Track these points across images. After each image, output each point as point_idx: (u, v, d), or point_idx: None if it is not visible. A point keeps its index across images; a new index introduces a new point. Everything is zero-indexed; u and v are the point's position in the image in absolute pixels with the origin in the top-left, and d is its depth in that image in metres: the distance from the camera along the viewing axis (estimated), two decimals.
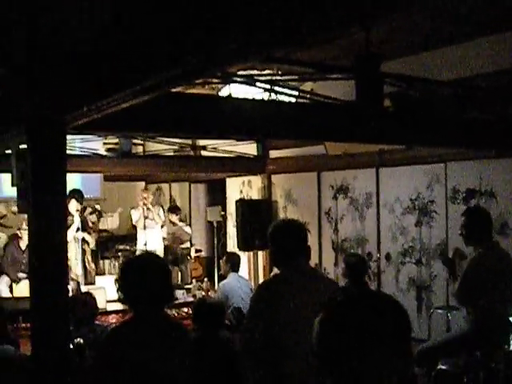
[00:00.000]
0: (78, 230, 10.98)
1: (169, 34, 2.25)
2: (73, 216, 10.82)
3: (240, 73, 6.47)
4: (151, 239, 12.00)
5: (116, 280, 3.84)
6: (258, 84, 6.34)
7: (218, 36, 2.02)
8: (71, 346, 5.10)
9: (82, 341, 5.22)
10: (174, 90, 5.98)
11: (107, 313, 9.45)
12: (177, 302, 10.10)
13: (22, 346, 5.99)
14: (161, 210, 12.67)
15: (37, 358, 3.80)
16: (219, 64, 2.27)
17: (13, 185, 4.10)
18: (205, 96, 6.74)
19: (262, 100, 6.67)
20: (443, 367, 5.74)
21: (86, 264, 11.64)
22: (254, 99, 6.54)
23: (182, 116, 5.31)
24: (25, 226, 10.60)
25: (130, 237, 13.60)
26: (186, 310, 9.71)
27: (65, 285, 3.83)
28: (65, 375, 3.70)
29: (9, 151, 4.52)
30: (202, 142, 11.78)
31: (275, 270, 5.18)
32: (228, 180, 12.83)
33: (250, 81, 6.35)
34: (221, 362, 5.13)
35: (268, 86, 6.52)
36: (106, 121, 3.56)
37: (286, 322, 3.87)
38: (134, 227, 12.81)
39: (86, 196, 12.16)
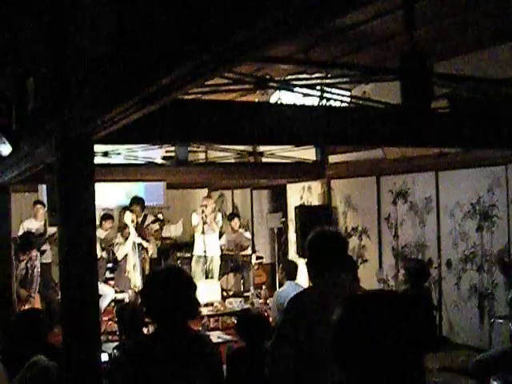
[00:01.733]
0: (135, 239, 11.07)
1: (175, 32, 2.17)
2: (128, 227, 10.93)
3: (288, 77, 6.40)
4: (209, 245, 11.98)
5: (139, 293, 3.79)
6: (307, 90, 6.25)
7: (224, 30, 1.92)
8: (109, 357, 5.11)
9: (117, 353, 5.19)
10: (224, 99, 5.99)
11: None
12: (234, 309, 10.05)
13: None
14: (219, 215, 12.62)
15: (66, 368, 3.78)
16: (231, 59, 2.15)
17: (47, 197, 4.09)
18: (254, 104, 6.66)
19: (315, 106, 6.56)
20: (495, 383, 5.50)
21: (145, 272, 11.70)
22: (307, 105, 6.45)
23: (232, 125, 5.26)
24: None
25: (192, 244, 13.65)
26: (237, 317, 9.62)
27: (95, 296, 3.80)
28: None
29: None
30: (261, 149, 11.73)
31: None
32: (288, 186, 12.75)
33: (298, 86, 6.26)
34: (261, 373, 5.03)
35: (318, 93, 6.42)
36: (130, 131, 3.51)
37: (307, 339, 3.75)
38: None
39: (149, 204, 12.24)
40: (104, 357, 4.70)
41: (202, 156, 14.29)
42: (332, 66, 6.49)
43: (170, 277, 3.62)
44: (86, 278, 3.66)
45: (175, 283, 3.55)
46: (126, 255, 10.99)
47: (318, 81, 6.56)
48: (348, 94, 7.21)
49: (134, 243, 10.94)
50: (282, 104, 7.17)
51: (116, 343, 5.87)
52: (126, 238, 10.82)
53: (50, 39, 3.84)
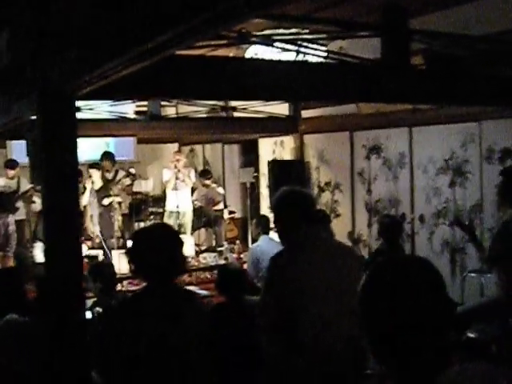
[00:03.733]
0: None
1: None
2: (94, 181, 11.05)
3: (265, 33, 6.33)
4: (182, 201, 11.97)
5: (126, 252, 3.78)
6: (284, 45, 6.20)
7: None
8: (92, 315, 5.11)
9: (101, 310, 5.19)
10: (197, 53, 5.92)
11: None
12: (209, 264, 10.09)
13: None
14: (192, 171, 12.59)
15: (50, 326, 3.77)
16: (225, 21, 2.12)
17: (27, 155, 4.03)
18: (230, 58, 6.59)
19: (291, 61, 6.51)
20: (472, 335, 5.60)
21: (116, 224, 11.73)
22: (280, 60, 6.39)
23: (207, 79, 5.20)
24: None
25: (164, 199, 13.61)
26: (215, 272, 9.65)
27: (79, 254, 3.78)
28: (81, 344, 3.67)
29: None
30: (233, 103, 11.67)
31: None
32: (260, 141, 12.73)
33: (275, 41, 6.20)
34: (245, 328, 5.07)
35: (295, 47, 6.37)
36: (115, 87, 3.46)
37: (296, 291, 3.78)
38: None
39: (119, 159, 12.18)
40: (87, 314, 4.69)
41: (172, 111, 14.18)
42: (309, 20, 6.43)
43: (158, 234, 3.63)
44: (69, 233, 3.64)
45: (164, 240, 3.56)
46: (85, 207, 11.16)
47: (295, 36, 6.51)
48: (324, 48, 7.17)
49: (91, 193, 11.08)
50: (256, 59, 7.13)
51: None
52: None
53: None
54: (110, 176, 11.48)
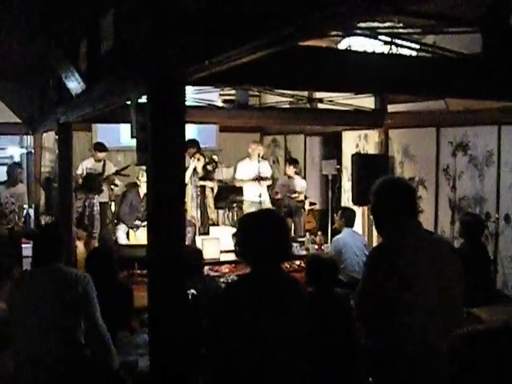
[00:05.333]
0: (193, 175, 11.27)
1: None
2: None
3: (360, 25, 6.34)
4: (264, 191, 12.03)
5: (233, 235, 3.85)
6: (378, 37, 6.20)
7: None
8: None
9: (195, 292, 5.30)
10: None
11: (221, 263, 9.55)
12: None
13: (136, 291, 6.18)
14: (270, 162, 12.67)
15: (152, 307, 3.87)
16: (346, 18, 2.17)
17: (132, 137, 4.12)
18: (323, 49, 6.61)
19: (383, 53, 6.49)
20: None
21: (208, 210, 11.88)
22: (374, 53, 6.38)
23: (299, 69, 5.24)
24: (143, 177, 10.91)
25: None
26: (298, 262, 9.70)
27: (182, 236, 3.87)
28: (182, 324, 3.76)
29: (128, 102, 4.58)
30: (318, 95, 11.65)
31: None
32: (344, 133, 12.71)
33: (371, 33, 6.21)
34: (334, 319, 5.11)
35: (388, 39, 6.36)
36: (224, 74, 3.52)
37: (401, 287, 3.77)
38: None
39: (201, 146, 12.30)
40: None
41: (255, 100, 14.25)
42: (405, 13, 6.40)
43: (265, 218, 3.68)
44: (173, 215, 3.73)
45: (271, 224, 3.61)
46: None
47: (390, 30, 6.50)
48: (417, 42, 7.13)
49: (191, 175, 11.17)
50: (347, 50, 7.12)
51: None
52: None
53: None
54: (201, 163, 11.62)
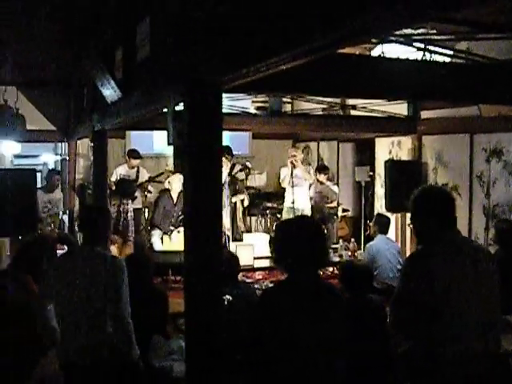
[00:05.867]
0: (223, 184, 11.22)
1: None
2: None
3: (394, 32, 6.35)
4: (299, 198, 12.01)
5: (270, 242, 3.87)
6: (411, 43, 6.20)
7: None
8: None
9: (230, 298, 5.33)
10: None
11: (254, 269, 9.59)
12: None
13: (171, 297, 6.24)
14: (310, 168, 12.66)
15: (189, 312, 3.91)
16: (387, 26, 2.19)
17: (169, 144, 4.17)
18: (357, 56, 6.63)
19: (416, 60, 6.50)
20: None
21: (238, 220, 11.90)
22: (407, 59, 6.39)
23: (333, 77, 5.27)
24: (175, 180, 10.99)
25: (277, 194, 13.72)
26: (331, 269, 9.71)
27: (219, 243, 3.90)
28: (218, 330, 3.79)
29: (165, 110, 4.63)
30: (351, 101, 11.66)
31: None
32: (377, 140, 12.69)
33: (404, 40, 6.22)
34: (370, 325, 5.11)
35: (422, 46, 6.36)
36: (259, 82, 3.56)
37: (440, 293, 3.79)
38: (281, 185, 12.87)
39: (234, 153, 12.35)
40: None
41: (288, 107, 14.28)
42: (439, 20, 6.40)
43: (301, 225, 3.71)
44: (210, 222, 3.76)
45: (307, 231, 3.63)
46: None
47: (423, 37, 6.50)
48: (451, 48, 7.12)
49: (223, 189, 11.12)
50: (381, 57, 7.13)
51: None
52: None
53: None
54: (227, 170, 11.65)
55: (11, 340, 4.29)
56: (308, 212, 12.21)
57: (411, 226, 4.32)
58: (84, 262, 5.03)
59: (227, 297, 5.34)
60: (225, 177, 11.14)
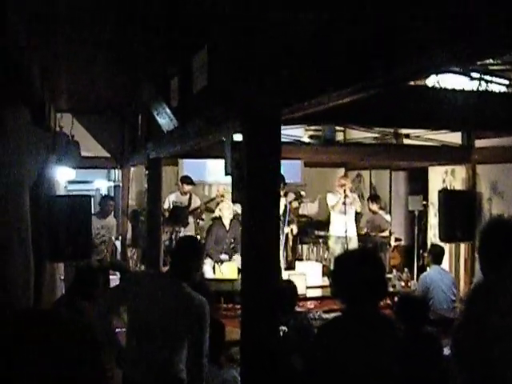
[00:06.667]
0: (283, 216, 11.20)
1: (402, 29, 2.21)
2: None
3: None
4: (349, 225, 11.96)
5: (329, 274, 3.86)
6: (468, 73, 6.17)
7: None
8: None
9: (286, 329, 5.32)
10: None
11: (306, 299, 9.55)
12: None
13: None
14: (356, 196, 12.61)
15: (245, 341, 3.91)
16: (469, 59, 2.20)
17: (226, 174, 4.21)
18: (412, 87, 6.62)
19: (472, 91, 6.45)
20: None
21: (289, 249, 11.88)
22: (463, 90, 6.35)
23: (388, 108, 5.26)
24: (225, 207, 11.05)
25: (329, 223, 13.68)
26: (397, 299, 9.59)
27: (276, 273, 3.91)
28: (273, 361, 3.78)
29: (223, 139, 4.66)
30: (404, 130, 11.60)
31: (477, 264, 4.97)
32: (430, 169, 12.58)
33: (460, 70, 6.18)
34: (426, 358, 5.06)
35: (477, 75, 6.32)
36: (315, 114, 3.57)
37: (498, 328, 3.73)
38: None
39: (287, 181, 12.35)
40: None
41: (340, 136, 14.27)
42: None
43: (359, 258, 3.70)
44: (268, 258, 3.77)
45: (370, 265, 3.62)
46: None
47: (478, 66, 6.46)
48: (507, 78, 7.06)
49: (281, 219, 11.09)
50: (436, 88, 7.10)
51: None
52: None
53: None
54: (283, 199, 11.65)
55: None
56: (355, 240, 12.15)
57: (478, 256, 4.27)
58: (171, 294, 4.92)
59: (282, 328, 5.32)
60: (282, 205, 11.15)
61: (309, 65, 2.97)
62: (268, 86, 3.48)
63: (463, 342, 3.89)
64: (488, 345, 3.74)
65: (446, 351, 5.08)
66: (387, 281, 3.78)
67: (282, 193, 11.21)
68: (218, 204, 11.88)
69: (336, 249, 11.91)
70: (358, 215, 12.77)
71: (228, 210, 11.12)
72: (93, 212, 11.45)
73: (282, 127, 9.30)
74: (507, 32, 1.89)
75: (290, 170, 14.27)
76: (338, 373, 3.50)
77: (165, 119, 6.81)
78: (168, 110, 6.51)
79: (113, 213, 12.70)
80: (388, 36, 2.28)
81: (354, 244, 12.19)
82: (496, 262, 3.99)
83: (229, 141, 4.16)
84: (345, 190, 11.93)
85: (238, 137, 4.04)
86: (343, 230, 11.76)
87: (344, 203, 11.93)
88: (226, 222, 11.40)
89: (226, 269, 10.81)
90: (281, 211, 10.64)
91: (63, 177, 10.47)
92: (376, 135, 11.58)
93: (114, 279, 9.68)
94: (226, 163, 4.20)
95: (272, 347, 3.82)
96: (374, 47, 2.38)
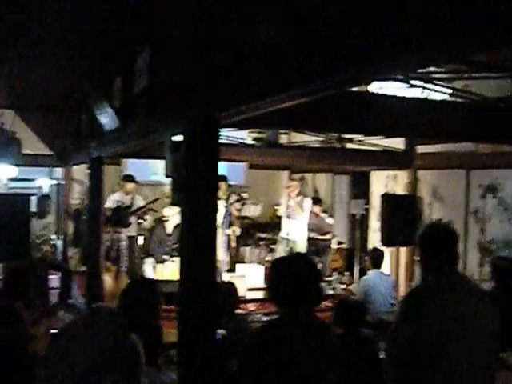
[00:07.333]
0: (224, 217, 11.17)
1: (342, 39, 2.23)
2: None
3: None
4: (293, 229, 12.00)
5: (265, 279, 3.84)
6: (409, 81, 6.23)
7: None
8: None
9: (224, 332, 5.30)
10: None
11: (247, 301, 9.56)
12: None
13: (164, 327, 6.16)
14: (305, 200, 12.65)
15: (182, 343, 3.89)
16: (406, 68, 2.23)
17: (166, 176, 4.18)
18: (354, 93, 6.67)
19: (414, 98, 6.52)
20: None
21: (231, 251, 11.87)
22: (405, 97, 6.41)
23: (330, 113, 5.29)
24: (169, 210, 10.99)
25: (272, 225, 13.72)
26: (324, 302, 9.66)
27: (213, 274, 3.90)
28: (210, 364, 3.77)
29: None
30: (348, 135, 11.69)
31: (417, 269, 5.06)
32: (373, 173, 12.72)
33: (402, 78, 6.24)
34: (362, 361, 5.09)
35: (419, 83, 6.39)
36: (257, 118, 3.58)
37: (434, 332, 3.79)
38: (279, 216, 12.83)
39: (231, 183, 12.35)
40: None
41: (285, 139, 14.31)
42: None
43: (298, 264, 3.70)
44: (205, 254, 3.77)
45: (304, 270, 3.63)
46: None
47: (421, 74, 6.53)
48: (449, 86, 7.15)
49: (222, 221, 11.07)
50: (378, 94, 7.16)
51: None
52: None
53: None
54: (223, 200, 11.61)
55: None
56: (303, 244, 12.18)
57: (418, 259, 4.37)
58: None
59: (220, 331, 5.31)
60: (221, 207, 11.12)
61: (248, 69, 2.97)
62: (207, 88, 3.47)
63: (399, 343, 3.94)
64: (424, 347, 3.79)
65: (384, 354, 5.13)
66: (322, 286, 3.80)
67: (224, 194, 11.23)
68: (164, 206, 11.81)
69: (282, 251, 11.93)
70: None
71: (175, 216, 11.07)
72: (34, 211, 11.35)
73: (227, 129, 9.38)
74: (445, 43, 1.91)
75: (234, 171, 14.29)
76: (272, 378, 3.49)
77: (106, 119, 6.75)
78: (110, 110, 6.45)
79: (55, 211, 12.56)
80: (327, 42, 2.30)
81: (301, 247, 12.22)
82: (433, 266, 4.07)
83: (169, 142, 4.12)
84: (289, 193, 11.97)
85: (179, 138, 4.01)
86: (289, 232, 11.80)
87: (288, 206, 11.97)
88: (170, 226, 11.37)
89: (167, 270, 10.78)
90: (222, 213, 10.67)
91: (3, 174, 10.31)
92: (320, 139, 11.65)
93: (54, 279, 9.59)
94: (166, 165, 4.17)
95: (209, 350, 3.81)
96: (313, 53, 2.39)
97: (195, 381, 3.77)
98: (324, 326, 3.80)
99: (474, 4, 1.71)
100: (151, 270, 11.22)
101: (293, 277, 3.59)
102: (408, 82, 6.19)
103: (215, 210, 3.91)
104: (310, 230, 12.69)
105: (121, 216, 11.54)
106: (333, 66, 2.27)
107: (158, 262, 11.22)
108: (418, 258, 4.36)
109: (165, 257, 11.21)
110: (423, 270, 4.23)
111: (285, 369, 3.46)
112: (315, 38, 2.40)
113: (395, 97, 6.35)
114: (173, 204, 4.16)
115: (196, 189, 3.72)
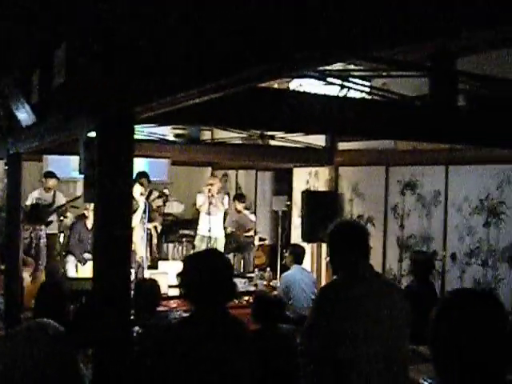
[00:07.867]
0: (144, 213, 11.08)
1: (247, 34, 2.23)
2: (137, 201, 10.89)
3: None
4: (214, 226, 12.01)
5: (177, 275, 3.82)
6: (328, 79, 6.27)
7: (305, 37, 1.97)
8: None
9: (140, 329, 5.26)
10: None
11: (169, 298, 9.51)
12: (238, 290, 10.11)
13: None
14: (226, 197, 12.68)
15: (96, 341, 3.84)
16: (300, 66, 2.23)
17: (80, 173, 4.12)
18: (274, 90, 6.68)
19: (333, 96, 6.58)
20: None
21: (153, 248, 11.80)
22: (325, 95, 6.47)
23: (250, 110, 5.29)
24: (91, 207, 10.84)
25: (195, 222, 13.70)
26: (246, 298, 9.68)
27: (128, 274, 3.85)
28: (124, 361, 3.73)
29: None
30: (270, 132, 11.75)
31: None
32: (295, 170, 12.80)
33: (320, 75, 6.28)
34: (280, 355, 5.12)
35: (339, 81, 6.44)
36: (174, 114, 3.57)
37: (349, 326, 3.84)
38: (198, 212, 12.84)
39: (152, 180, 12.27)
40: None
41: (208, 135, 14.30)
42: (360, 57, 6.51)
43: (208, 259, 3.70)
44: (119, 251, 3.72)
45: (216, 266, 3.62)
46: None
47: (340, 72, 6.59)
48: (368, 84, 7.24)
49: (142, 216, 10.98)
50: (298, 92, 7.20)
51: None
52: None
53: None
54: (144, 196, 11.53)
55: None
56: (222, 240, 12.24)
57: (327, 259, 4.41)
58: None
59: (136, 328, 5.27)
60: (142, 203, 11.04)
61: (158, 65, 2.95)
62: (119, 84, 3.43)
63: (310, 341, 3.98)
64: (339, 341, 3.83)
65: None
66: (235, 283, 3.80)
67: (145, 191, 11.15)
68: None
69: (201, 248, 11.91)
70: (224, 215, 12.84)
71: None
72: None
73: (147, 125, 9.31)
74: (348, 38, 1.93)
75: (157, 168, 14.22)
76: (184, 375, 3.48)
77: (23, 114, 6.62)
78: (26, 105, 6.33)
79: None
80: (239, 36, 2.30)
81: (220, 244, 12.27)
82: (346, 261, 4.11)
83: (83, 138, 4.06)
84: (210, 190, 11.97)
85: (93, 134, 3.96)
86: (207, 229, 11.81)
87: (210, 203, 11.97)
88: (91, 220, 11.22)
89: (88, 268, 10.64)
90: (141, 209, 10.61)
91: None
92: (243, 135, 11.67)
93: None
94: (79, 162, 4.11)
95: (124, 347, 3.76)
96: (220, 49, 2.39)
97: (109, 378, 3.72)
98: (237, 322, 3.80)
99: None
100: (73, 267, 11.08)
101: (205, 273, 3.58)
102: (325, 80, 6.22)
103: (130, 207, 3.87)
104: (233, 226, 12.74)
105: (39, 213, 11.35)
106: (238, 63, 2.27)
107: (78, 261, 11.08)
108: (327, 256, 4.40)
109: (86, 255, 11.06)
110: (334, 266, 4.27)
111: (196, 366, 3.46)
112: (223, 34, 2.40)
113: (315, 94, 6.39)
114: (85, 201, 4.10)
115: (109, 186, 3.67)
